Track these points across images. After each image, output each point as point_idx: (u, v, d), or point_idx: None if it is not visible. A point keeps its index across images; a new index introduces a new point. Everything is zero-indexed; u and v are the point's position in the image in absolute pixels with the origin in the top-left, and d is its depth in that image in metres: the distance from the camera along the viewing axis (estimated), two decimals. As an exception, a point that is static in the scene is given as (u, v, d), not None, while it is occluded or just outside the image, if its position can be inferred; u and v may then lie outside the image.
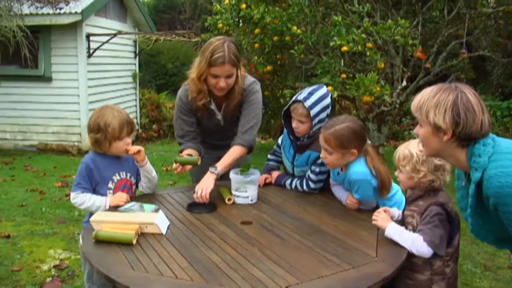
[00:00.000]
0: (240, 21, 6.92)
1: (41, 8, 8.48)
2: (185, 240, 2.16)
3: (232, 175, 2.72)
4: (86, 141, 8.91)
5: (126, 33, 10.41)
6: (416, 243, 2.01)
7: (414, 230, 2.10)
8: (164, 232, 2.22)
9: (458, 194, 2.02)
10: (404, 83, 6.52)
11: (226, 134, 3.10)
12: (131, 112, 11.16)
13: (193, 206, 2.60)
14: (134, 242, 2.09)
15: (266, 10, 6.17)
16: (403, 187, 2.27)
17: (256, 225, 2.35)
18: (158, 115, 11.80)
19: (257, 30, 6.50)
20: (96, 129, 2.58)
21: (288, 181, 2.89)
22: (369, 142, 2.58)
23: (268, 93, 7.97)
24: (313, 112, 2.65)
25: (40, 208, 5.34)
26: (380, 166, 2.47)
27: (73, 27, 8.67)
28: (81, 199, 2.55)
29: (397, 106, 6.64)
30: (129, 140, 2.64)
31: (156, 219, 2.22)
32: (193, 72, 2.83)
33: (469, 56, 6.91)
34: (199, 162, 2.77)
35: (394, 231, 2.09)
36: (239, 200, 2.67)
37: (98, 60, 9.34)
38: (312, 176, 2.78)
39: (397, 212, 2.34)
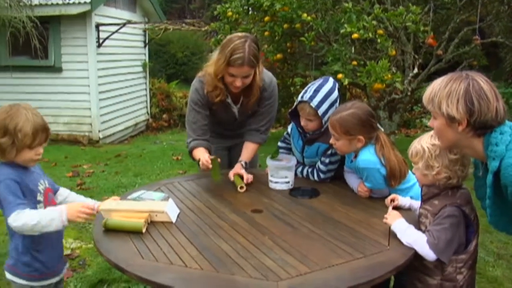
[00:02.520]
0: (250, 9, 6.88)
1: (50, -2, 8.49)
2: (195, 229, 2.14)
3: (272, 162, 2.71)
4: (96, 131, 9.14)
5: (136, 22, 10.39)
6: (419, 242, 1.91)
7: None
8: (174, 220, 2.21)
9: (476, 183, 1.97)
10: (416, 70, 6.46)
11: (239, 126, 3.08)
12: (141, 102, 11.17)
13: (297, 191, 2.62)
14: (144, 230, 2.08)
15: (276, -3, 6.12)
16: (420, 185, 2.15)
17: (266, 214, 2.33)
18: (169, 104, 11.81)
19: (266, 18, 6.45)
20: (2, 131, 2.01)
21: (299, 169, 2.86)
22: (382, 129, 2.53)
23: (279, 81, 7.89)
24: (321, 111, 2.59)
25: (52, 198, 5.35)
26: (391, 155, 2.40)
27: (83, 17, 8.66)
28: (26, 216, 1.96)
29: (409, 93, 6.58)
30: (41, 150, 2.11)
31: (166, 207, 2.21)
32: (210, 67, 2.76)
33: (481, 42, 6.82)
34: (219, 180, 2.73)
35: (398, 228, 1.99)
36: (278, 186, 2.68)
37: (108, 50, 9.34)
38: (322, 167, 2.75)
39: (409, 201, 2.30)
